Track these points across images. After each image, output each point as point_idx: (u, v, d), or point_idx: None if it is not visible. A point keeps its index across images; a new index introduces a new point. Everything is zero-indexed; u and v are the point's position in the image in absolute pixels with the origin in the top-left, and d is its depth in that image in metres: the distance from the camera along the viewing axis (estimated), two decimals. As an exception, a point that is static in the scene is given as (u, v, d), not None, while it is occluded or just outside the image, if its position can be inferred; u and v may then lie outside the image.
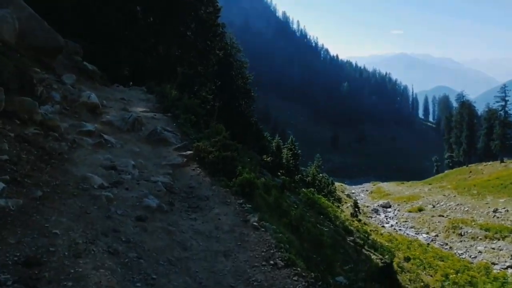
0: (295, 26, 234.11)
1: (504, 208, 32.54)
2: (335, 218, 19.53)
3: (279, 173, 24.38)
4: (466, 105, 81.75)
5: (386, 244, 20.96)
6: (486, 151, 73.01)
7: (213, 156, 7.99)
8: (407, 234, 30.99)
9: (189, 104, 12.28)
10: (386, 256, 19.39)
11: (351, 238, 17.00)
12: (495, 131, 69.36)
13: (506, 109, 66.40)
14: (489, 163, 67.46)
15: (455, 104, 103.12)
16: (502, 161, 64.01)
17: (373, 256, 18.08)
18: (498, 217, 30.85)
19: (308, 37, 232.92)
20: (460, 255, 24.23)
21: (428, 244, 24.99)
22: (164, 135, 9.51)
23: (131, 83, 26.28)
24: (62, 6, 17.11)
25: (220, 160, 7.94)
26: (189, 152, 8.61)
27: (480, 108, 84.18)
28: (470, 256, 23.62)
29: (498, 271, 21.42)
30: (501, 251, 23.49)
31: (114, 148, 8.19)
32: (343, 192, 60.76)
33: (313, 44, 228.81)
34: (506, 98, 66.14)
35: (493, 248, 24.13)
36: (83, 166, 6.55)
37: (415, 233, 31.39)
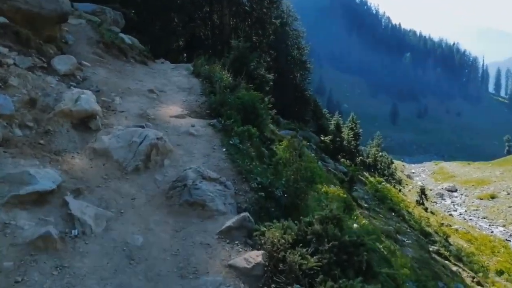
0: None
1: None
2: (409, 215, 17.44)
3: (339, 156, 22.41)
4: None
5: (466, 246, 18.53)
6: None
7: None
8: (480, 226, 27.94)
9: (248, 101, 8.19)
10: (480, 274, 16.45)
11: (434, 248, 14.89)
12: None
13: None
14: None
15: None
16: None
17: (463, 274, 15.38)
18: None
19: (368, 4, 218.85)
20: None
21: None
22: (200, 192, 4.73)
23: (184, 54, 25.56)
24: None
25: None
26: (254, 254, 3.78)
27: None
28: None
29: None
30: None
31: (86, 241, 3.69)
32: (402, 172, 57.08)
33: (374, 12, 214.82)
34: None
35: None
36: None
37: (489, 225, 28.23)
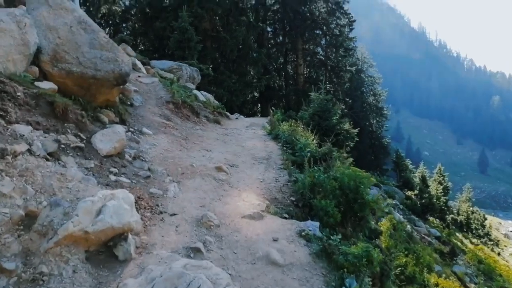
0: (432, 37, 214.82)
1: None
2: None
3: (430, 218, 20.15)
4: None
5: None
6: None
7: None
8: None
9: (348, 184, 5.60)
10: None
11: None
12: None
13: None
14: None
15: None
16: None
17: None
18: None
19: (447, 47, 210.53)
20: None
21: None
22: None
23: (259, 105, 26.13)
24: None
25: None
26: None
27: None
28: None
29: None
30: None
31: None
32: (498, 230, 50.12)
33: (454, 55, 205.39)
34: None
35: None
36: None
37: None
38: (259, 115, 24.32)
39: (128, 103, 7.94)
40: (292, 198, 5.94)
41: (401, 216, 11.87)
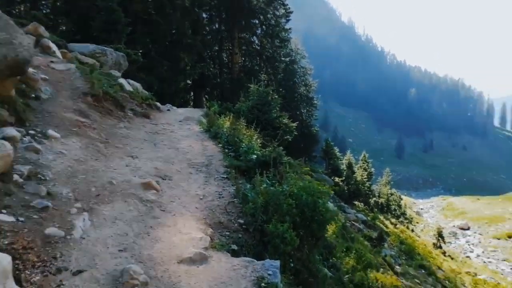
0: (360, 31, 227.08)
1: None
2: (439, 271, 16.30)
3: (356, 203, 21.51)
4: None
5: None
6: None
7: None
8: (502, 270, 26.47)
9: (306, 201, 4.89)
10: None
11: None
12: None
13: None
14: None
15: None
16: None
17: None
18: None
19: (373, 42, 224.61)
20: None
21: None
22: None
23: (191, 93, 25.45)
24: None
25: None
26: None
27: None
28: None
29: None
30: None
31: None
32: (411, 208, 55.61)
33: (379, 49, 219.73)
34: None
35: None
36: None
37: (511, 268, 26.76)
38: (192, 104, 23.75)
39: (33, 95, 6.22)
40: (241, 221, 4.90)
41: (332, 204, 12.65)
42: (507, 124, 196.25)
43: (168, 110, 11.85)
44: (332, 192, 17.41)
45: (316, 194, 4.76)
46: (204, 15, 23.68)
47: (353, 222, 13.42)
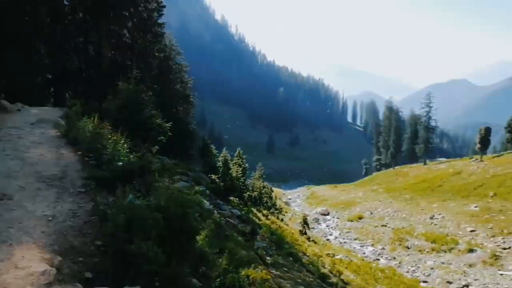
0: (233, 30, 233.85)
1: (440, 214, 34.01)
2: (305, 256, 18.04)
3: (231, 198, 22.23)
4: (393, 111, 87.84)
5: (354, 277, 19.97)
6: (410, 153, 79.69)
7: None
8: (354, 248, 30.87)
9: (174, 212, 4.47)
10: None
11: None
12: (419, 135, 75.30)
13: (430, 114, 71.52)
14: (414, 165, 73.31)
15: (381, 109, 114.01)
16: (425, 163, 69.12)
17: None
18: (435, 224, 31.99)
19: (246, 41, 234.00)
20: (413, 272, 24.24)
21: (393, 270, 24.28)
22: None
23: (52, 89, 22.43)
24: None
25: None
26: None
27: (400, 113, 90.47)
28: (424, 274, 23.64)
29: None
30: (451, 266, 23.79)
31: None
32: (281, 199, 60.29)
33: (251, 49, 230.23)
34: (430, 105, 71.15)
35: (443, 263, 24.35)
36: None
37: (360, 246, 31.38)
38: (52, 102, 21.07)
39: None
40: (98, 242, 4.24)
41: (208, 203, 12.90)
42: (357, 120, 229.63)
43: (19, 110, 10.36)
44: (208, 190, 17.76)
45: (186, 204, 4.44)
46: (66, 3, 21.25)
47: (228, 219, 13.95)
